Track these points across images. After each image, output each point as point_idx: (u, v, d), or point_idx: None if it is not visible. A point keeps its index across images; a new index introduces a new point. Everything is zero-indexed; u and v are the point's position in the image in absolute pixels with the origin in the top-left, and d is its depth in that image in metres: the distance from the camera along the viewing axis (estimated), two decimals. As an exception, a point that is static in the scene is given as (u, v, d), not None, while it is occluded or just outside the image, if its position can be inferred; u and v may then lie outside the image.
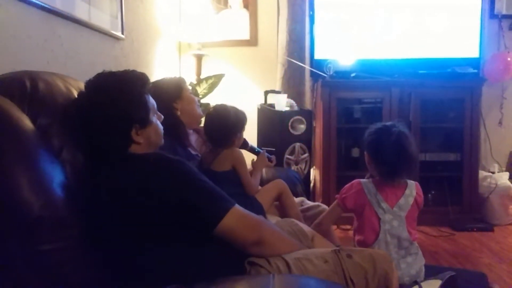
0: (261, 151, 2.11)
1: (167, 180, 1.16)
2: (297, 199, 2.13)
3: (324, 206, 2.17)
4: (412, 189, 1.76)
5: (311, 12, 3.53)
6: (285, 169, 2.91)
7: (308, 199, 2.33)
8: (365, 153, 1.81)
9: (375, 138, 1.75)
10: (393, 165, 1.70)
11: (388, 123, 1.77)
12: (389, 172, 1.72)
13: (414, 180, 1.81)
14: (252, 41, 3.82)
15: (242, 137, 1.94)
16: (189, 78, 3.46)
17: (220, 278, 1.09)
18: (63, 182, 1.14)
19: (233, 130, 1.87)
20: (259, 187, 1.97)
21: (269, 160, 2.10)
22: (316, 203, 2.22)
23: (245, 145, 2.02)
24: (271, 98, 3.28)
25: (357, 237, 1.78)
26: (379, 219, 1.69)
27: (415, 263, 1.69)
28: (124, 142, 1.27)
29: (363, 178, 1.85)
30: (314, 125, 3.50)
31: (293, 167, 3.09)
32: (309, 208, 2.14)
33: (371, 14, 3.46)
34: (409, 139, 1.72)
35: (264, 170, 2.28)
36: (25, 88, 1.20)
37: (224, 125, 1.86)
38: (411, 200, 1.73)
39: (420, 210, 1.78)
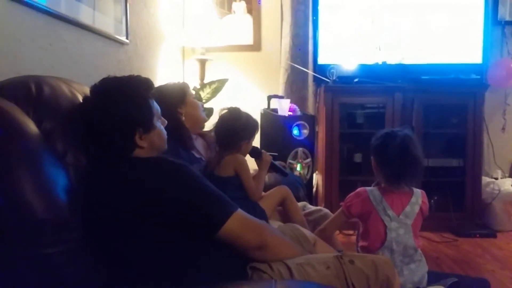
0: (287, 173, 2.11)
1: (169, 183, 1.17)
2: (299, 204, 2.12)
3: (326, 210, 2.17)
4: (418, 197, 1.76)
5: (314, 17, 3.55)
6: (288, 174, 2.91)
7: (311, 204, 2.33)
8: (371, 157, 1.81)
9: (381, 141, 1.76)
10: (398, 167, 1.70)
11: (395, 128, 1.78)
12: (394, 174, 1.72)
13: (417, 185, 1.81)
14: (256, 46, 3.83)
15: (250, 145, 1.93)
16: (193, 83, 3.47)
17: (222, 282, 1.09)
18: (67, 185, 1.15)
19: (241, 134, 1.86)
20: (262, 193, 1.97)
21: (282, 171, 2.10)
22: (318, 208, 2.21)
23: (257, 153, 1.99)
24: (274, 103, 3.28)
25: (361, 243, 1.78)
26: (385, 226, 1.69)
27: (418, 270, 1.69)
28: (127, 146, 1.27)
29: (366, 183, 1.86)
30: (316, 130, 3.50)
31: (296, 172, 3.09)
32: (311, 213, 2.14)
33: (374, 19, 3.47)
34: (414, 143, 1.72)
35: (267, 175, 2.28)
36: (30, 92, 1.21)
37: (233, 127, 1.86)
38: (417, 208, 1.73)
39: (424, 218, 1.78)
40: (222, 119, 1.90)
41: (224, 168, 1.83)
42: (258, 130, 1.94)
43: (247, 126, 1.89)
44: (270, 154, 2.05)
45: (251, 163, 1.94)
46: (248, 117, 1.91)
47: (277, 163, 2.07)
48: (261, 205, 1.86)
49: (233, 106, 1.95)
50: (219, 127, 1.90)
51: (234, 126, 1.86)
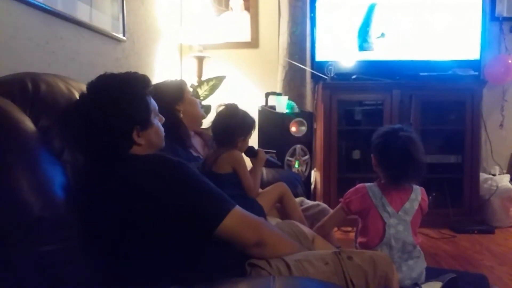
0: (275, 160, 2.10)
1: (167, 181, 1.17)
2: (296, 199, 2.12)
3: (324, 205, 2.16)
4: (418, 193, 1.76)
5: (312, 14, 3.55)
6: (286, 171, 2.91)
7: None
8: (372, 156, 1.80)
9: (382, 141, 1.75)
10: (399, 169, 1.70)
11: (396, 126, 1.76)
12: (395, 176, 1.72)
13: (416, 182, 1.81)
14: (253, 43, 3.82)
15: (246, 142, 1.93)
16: (190, 80, 3.47)
17: (220, 279, 1.09)
18: (64, 183, 1.14)
19: (237, 131, 1.86)
20: (260, 190, 1.96)
21: (276, 165, 2.08)
22: (316, 202, 2.21)
23: (253, 152, 1.99)
24: (272, 100, 3.28)
25: (359, 239, 1.78)
26: (384, 223, 1.69)
27: (417, 266, 1.69)
28: (125, 144, 1.27)
29: (364, 180, 1.85)
30: (315, 127, 3.50)
31: (294, 169, 3.09)
32: (309, 208, 2.14)
33: (372, 16, 3.46)
34: (416, 145, 1.71)
35: (264, 171, 2.28)
36: (27, 90, 1.21)
37: (230, 123, 1.86)
38: (416, 205, 1.73)
39: (424, 215, 1.79)
40: (219, 116, 1.90)
41: (221, 165, 1.83)
42: (255, 128, 1.94)
43: (244, 124, 1.89)
44: (268, 151, 2.05)
45: (247, 160, 1.93)
46: (245, 114, 1.91)
47: (268, 156, 2.05)
48: (259, 202, 1.85)
49: (231, 102, 1.95)
50: (216, 124, 1.90)
51: (231, 123, 1.86)
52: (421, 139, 1.75)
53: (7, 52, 1.56)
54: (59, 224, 1.05)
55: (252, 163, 1.98)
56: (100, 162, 1.25)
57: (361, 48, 3.46)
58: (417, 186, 1.79)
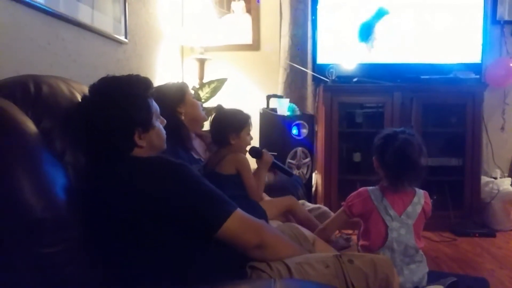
0: (292, 173, 2.11)
1: (169, 183, 1.17)
2: (297, 202, 2.13)
3: (325, 208, 2.17)
4: (421, 197, 1.76)
5: (313, 17, 3.55)
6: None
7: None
8: (374, 157, 1.81)
9: (382, 143, 1.77)
10: (396, 170, 1.71)
11: (399, 129, 1.78)
12: (392, 177, 1.73)
13: (416, 185, 1.81)
14: (255, 46, 3.82)
15: (243, 140, 1.94)
16: (192, 82, 3.47)
17: (221, 282, 1.09)
18: (66, 184, 1.15)
19: (227, 128, 1.90)
20: (267, 197, 1.96)
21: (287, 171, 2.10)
22: (317, 205, 2.22)
23: (257, 153, 2.01)
24: (273, 103, 3.28)
25: (361, 242, 1.78)
26: (386, 226, 1.70)
27: (419, 271, 1.69)
28: (126, 146, 1.27)
29: (365, 182, 1.86)
30: (316, 129, 3.50)
31: (295, 172, 3.09)
32: (309, 211, 2.14)
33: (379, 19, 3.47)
34: (413, 146, 1.71)
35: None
36: (29, 92, 1.21)
37: (219, 123, 1.93)
38: (419, 209, 1.73)
39: (427, 219, 1.79)
40: (212, 120, 1.98)
41: (225, 166, 1.84)
42: (247, 124, 1.96)
43: (234, 120, 1.93)
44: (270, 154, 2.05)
45: (252, 164, 1.95)
46: (234, 112, 1.96)
47: (281, 164, 2.08)
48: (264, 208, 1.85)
49: (218, 104, 2.04)
50: (211, 127, 1.98)
51: (220, 122, 1.93)
52: (422, 142, 1.75)
53: (9, 53, 1.56)
54: (60, 225, 1.05)
55: (257, 165, 1.99)
56: (102, 164, 1.25)
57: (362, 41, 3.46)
58: (421, 190, 1.79)
